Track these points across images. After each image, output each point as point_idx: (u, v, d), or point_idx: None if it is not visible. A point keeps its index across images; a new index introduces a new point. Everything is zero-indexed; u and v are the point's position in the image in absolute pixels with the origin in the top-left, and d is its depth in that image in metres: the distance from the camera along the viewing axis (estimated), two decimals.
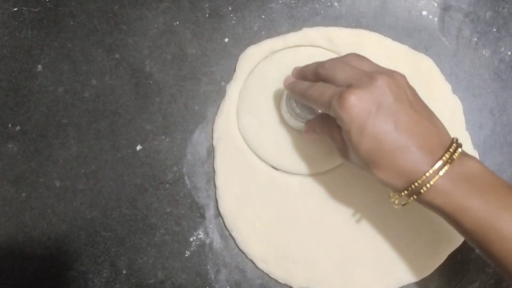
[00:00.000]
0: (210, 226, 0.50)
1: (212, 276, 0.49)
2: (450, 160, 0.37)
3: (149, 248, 0.50)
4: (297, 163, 0.50)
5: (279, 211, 0.49)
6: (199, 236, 0.50)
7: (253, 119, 0.50)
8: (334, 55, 0.50)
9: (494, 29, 0.51)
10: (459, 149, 0.38)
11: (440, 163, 0.37)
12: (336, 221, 0.49)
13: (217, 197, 0.50)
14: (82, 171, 0.51)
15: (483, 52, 0.51)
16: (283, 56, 0.51)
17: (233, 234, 0.49)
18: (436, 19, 0.51)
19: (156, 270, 0.50)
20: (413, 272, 0.48)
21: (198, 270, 0.49)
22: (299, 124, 0.47)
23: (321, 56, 0.50)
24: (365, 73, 0.39)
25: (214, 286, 0.49)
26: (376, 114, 0.37)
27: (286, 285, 0.49)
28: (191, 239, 0.50)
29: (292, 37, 0.51)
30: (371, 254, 0.49)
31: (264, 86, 0.50)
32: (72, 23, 0.52)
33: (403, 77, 0.40)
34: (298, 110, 0.45)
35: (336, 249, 0.49)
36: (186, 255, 0.50)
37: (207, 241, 0.50)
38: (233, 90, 0.51)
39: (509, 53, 0.51)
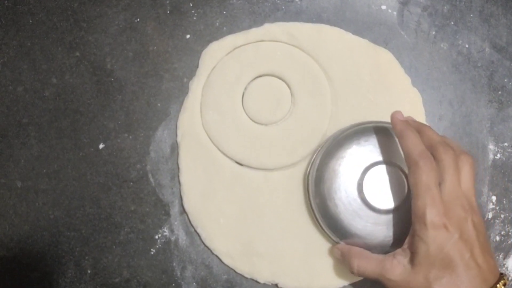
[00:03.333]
0: (175, 223, 0.50)
1: (178, 273, 0.49)
2: None
3: (114, 247, 0.49)
4: (261, 157, 0.50)
5: (244, 206, 0.49)
6: (164, 234, 0.50)
7: (217, 115, 0.50)
8: (296, 50, 0.51)
9: (452, 23, 0.52)
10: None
11: None
12: (301, 215, 0.49)
13: (182, 194, 0.50)
14: (44, 171, 0.50)
15: (442, 45, 0.52)
16: (246, 51, 0.51)
17: (198, 230, 0.49)
18: (395, 13, 0.52)
19: (122, 268, 0.49)
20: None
21: (164, 267, 0.49)
22: None
23: (283, 51, 0.51)
24: (462, 203, 0.40)
25: (180, 283, 0.49)
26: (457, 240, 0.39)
27: (252, 279, 0.49)
28: (156, 237, 0.50)
29: (254, 33, 0.51)
30: None
31: (227, 82, 0.50)
32: (31, 21, 0.52)
33: (481, 222, 0.41)
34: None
35: (302, 243, 0.49)
36: (152, 252, 0.49)
37: (173, 238, 0.50)
38: (196, 86, 0.51)
39: (467, 45, 0.52)
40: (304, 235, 0.49)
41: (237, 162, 0.50)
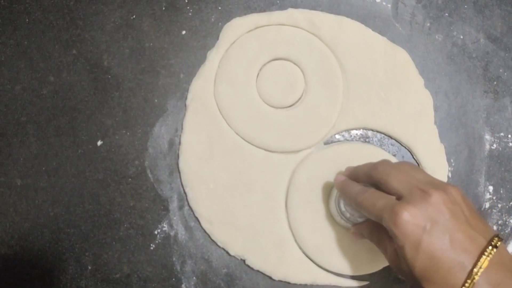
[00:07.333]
0: (174, 218, 0.50)
1: (178, 268, 0.50)
2: (488, 255, 0.37)
3: (113, 242, 0.50)
4: (264, 138, 0.50)
5: (237, 178, 0.50)
6: (164, 229, 0.50)
7: (229, 88, 0.51)
8: (315, 39, 0.51)
9: (446, 14, 0.52)
10: (494, 249, 0.37)
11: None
12: (288, 201, 0.50)
13: (179, 153, 0.50)
14: (43, 168, 0.50)
15: (436, 36, 0.52)
16: (266, 32, 0.51)
17: (187, 190, 0.50)
18: (389, 5, 0.52)
19: (122, 264, 0.50)
20: (351, 266, 0.49)
21: (164, 262, 0.50)
22: (346, 224, 0.47)
23: (303, 38, 0.51)
24: (418, 185, 0.39)
25: (180, 277, 0.49)
26: (431, 231, 0.37)
27: (255, 277, 0.50)
28: (156, 232, 0.50)
29: (277, 15, 0.51)
30: (311, 241, 0.49)
31: (244, 58, 0.51)
32: (27, 20, 0.52)
33: (457, 191, 0.39)
34: (348, 215, 0.45)
35: (281, 229, 0.50)
36: (151, 248, 0.50)
37: (172, 233, 0.50)
38: (214, 57, 0.51)
39: (461, 36, 0.52)
40: (285, 222, 0.50)
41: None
